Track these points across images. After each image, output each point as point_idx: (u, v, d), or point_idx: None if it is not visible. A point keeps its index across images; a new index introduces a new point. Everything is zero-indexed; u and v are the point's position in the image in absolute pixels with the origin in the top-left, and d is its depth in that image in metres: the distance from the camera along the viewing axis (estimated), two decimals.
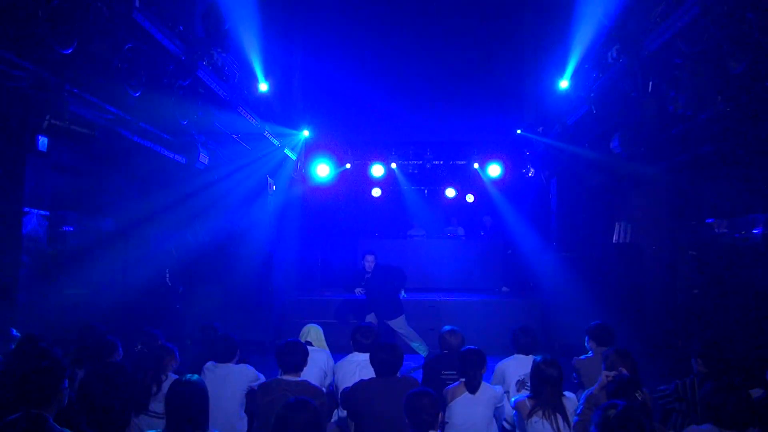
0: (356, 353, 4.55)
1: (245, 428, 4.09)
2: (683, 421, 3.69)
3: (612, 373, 3.60)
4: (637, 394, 3.20)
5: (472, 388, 3.79)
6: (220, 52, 6.59)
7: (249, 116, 7.91)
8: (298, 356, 3.90)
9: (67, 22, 4.09)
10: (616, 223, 8.99)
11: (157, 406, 3.76)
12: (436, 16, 10.70)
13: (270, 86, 8.53)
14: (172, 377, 3.92)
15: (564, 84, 7.97)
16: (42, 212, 5.28)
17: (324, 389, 4.21)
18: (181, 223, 8.31)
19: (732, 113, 4.93)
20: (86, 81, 4.84)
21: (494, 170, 11.54)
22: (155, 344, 4.33)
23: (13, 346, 4.10)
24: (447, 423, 3.73)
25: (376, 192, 12.88)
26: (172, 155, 6.85)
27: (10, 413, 2.62)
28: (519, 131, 10.50)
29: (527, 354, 4.58)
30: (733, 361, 3.94)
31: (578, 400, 3.70)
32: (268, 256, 9.57)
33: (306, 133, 10.80)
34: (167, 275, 7.84)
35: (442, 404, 3.67)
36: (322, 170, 11.45)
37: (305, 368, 4.01)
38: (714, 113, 5.09)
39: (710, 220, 6.85)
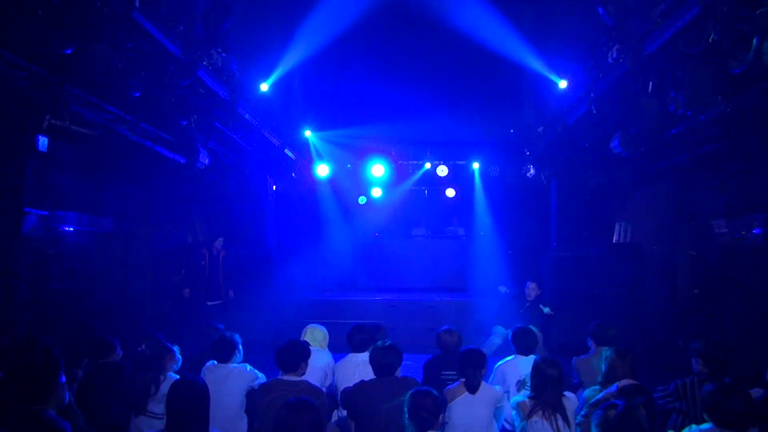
0: (354, 354, 4.55)
1: (245, 428, 4.09)
2: (683, 421, 3.68)
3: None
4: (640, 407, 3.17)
5: (472, 388, 3.79)
6: (220, 52, 6.58)
7: (249, 116, 7.91)
8: (298, 356, 3.89)
9: (67, 21, 4.09)
10: (616, 223, 9.00)
11: (156, 406, 3.75)
12: (437, 16, 10.69)
13: (270, 86, 8.53)
14: (172, 377, 3.92)
15: (564, 84, 7.97)
16: (42, 212, 5.28)
17: (324, 389, 4.20)
18: (181, 223, 8.32)
19: (732, 113, 4.93)
20: (86, 81, 4.84)
21: (493, 170, 11.57)
22: (157, 346, 4.33)
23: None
24: (447, 423, 3.73)
25: (377, 192, 12.88)
26: (172, 155, 6.85)
27: (11, 411, 2.62)
28: (511, 131, 10.53)
29: (527, 354, 4.58)
30: (733, 361, 3.93)
31: (578, 400, 3.70)
32: (269, 256, 9.57)
33: (308, 134, 10.80)
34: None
35: (443, 404, 3.67)
36: (322, 170, 11.46)
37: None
38: (714, 113, 5.09)
39: (710, 220, 6.85)
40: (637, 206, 8.76)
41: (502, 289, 9.50)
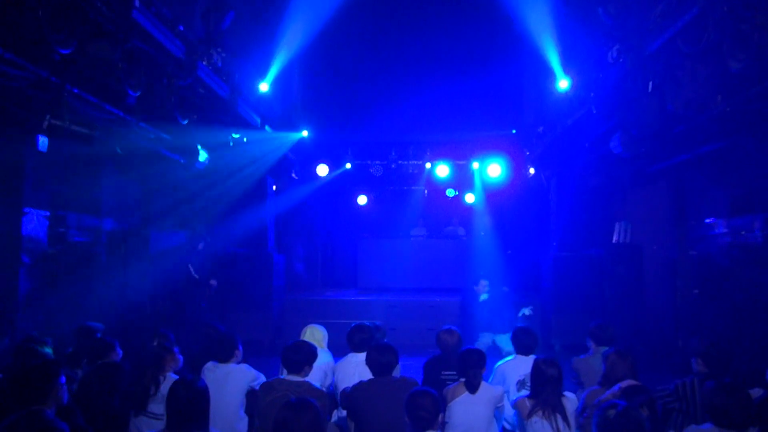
0: (354, 354, 4.55)
1: (245, 429, 4.08)
2: (683, 421, 3.68)
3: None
4: (642, 409, 3.17)
5: (472, 388, 3.78)
6: (220, 51, 6.58)
7: (249, 116, 7.91)
8: (304, 358, 3.89)
9: (67, 21, 4.09)
10: (616, 223, 9.00)
11: (156, 407, 3.75)
12: (437, 15, 10.69)
13: (270, 85, 8.53)
14: (172, 377, 3.92)
15: (564, 84, 7.96)
16: (42, 212, 5.28)
17: (324, 389, 4.20)
18: (181, 223, 8.32)
19: (732, 113, 4.93)
20: (86, 81, 4.84)
21: (494, 170, 11.56)
22: (160, 345, 4.32)
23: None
24: (447, 423, 3.73)
25: (376, 192, 12.88)
26: (172, 155, 6.84)
27: (10, 411, 2.63)
28: (513, 131, 10.53)
29: (527, 354, 4.58)
30: (733, 361, 3.93)
31: (578, 400, 3.70)
32: (269, 255, 9.57)
33: (305, 133, 10.79)
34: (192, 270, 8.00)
35: (442, 404, 3.66)
36: (322, 170, 11.46)
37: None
38: (714, 113, 5.09)
39: (710, 220, 6.86)
40: (637, 206, 8.77)
41: (527, 311, 8.78)
